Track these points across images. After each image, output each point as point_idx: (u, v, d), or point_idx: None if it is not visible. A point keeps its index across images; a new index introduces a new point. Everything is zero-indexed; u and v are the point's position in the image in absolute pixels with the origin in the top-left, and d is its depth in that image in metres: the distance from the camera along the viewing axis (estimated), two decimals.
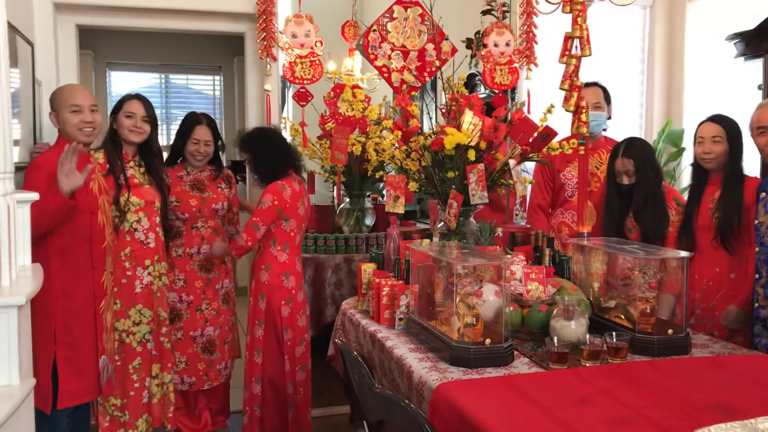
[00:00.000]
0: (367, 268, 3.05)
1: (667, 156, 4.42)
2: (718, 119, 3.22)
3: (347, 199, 4.93)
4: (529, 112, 4.00)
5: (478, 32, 4.48)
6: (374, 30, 4.07)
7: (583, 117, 2.66)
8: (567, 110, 2.67)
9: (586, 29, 2.48)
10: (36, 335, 2.55)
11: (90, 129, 2.85)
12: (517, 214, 3.44)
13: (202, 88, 8.64)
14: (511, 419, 1.76)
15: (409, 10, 4.11)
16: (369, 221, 4.91)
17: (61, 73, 3.77)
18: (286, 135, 4.24)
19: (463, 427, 1.81)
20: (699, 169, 3.25)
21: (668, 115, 4.70)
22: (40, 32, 3.61)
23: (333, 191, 5.53)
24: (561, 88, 2.67)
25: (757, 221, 2.95)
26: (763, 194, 2.95)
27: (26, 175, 2.71)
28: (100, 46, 7.68)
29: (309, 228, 5.05)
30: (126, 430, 3.06)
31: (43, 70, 3.62)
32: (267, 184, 3.39)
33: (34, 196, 2.01)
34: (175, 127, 8.34)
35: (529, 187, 3.94)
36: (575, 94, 2.58)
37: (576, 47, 2.49)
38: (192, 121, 3.54)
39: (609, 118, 3.77)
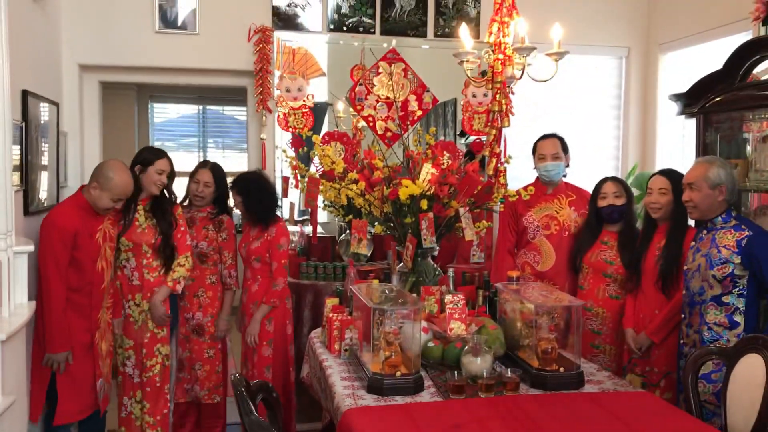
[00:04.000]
0: (330, 303, 3.50)
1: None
2: (666, 173, 3.56)
3: (347, 231, 5.39)
4: (504, 155, 4.38)
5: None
6: (360, 83, 4.53)
7: (501, 179, 3.05)
8: (488, 173, 3.07)
9: (506, 104, 2.87)
10: (38, 361, 3.09)
11: (113, 210, 3.40)
12: (474, 255, 3.82)
13: (236, 115, 9.20)
14: None
15: (393, 65, 4.56)
16: (367, 251, 5.35)
17: (85, 123, 4.36)
18: (286, 168, 4.73)
19: None
20: (649, 217, 3.60)
21: (643, 160, 5.01)
22: (67, 89, 4.21)
23: (336, 222, 6.02)
24: (483, 154, 3.07)
25: (686, 267, 3.27)
26: (693, 243, 3.27)
27: (42, 227, 3.16)
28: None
29: (311, 257, 5.55)
30: None
31: (69, 121, 4.21)
32: (261, 223, 3.92)
33: (30, 248, 2.54)
34: (211, 153, 9.04)
35: (495, 229, 4.34)
36: (494, 160, 2.97)
37: (497, 119, 2.88)
38: (198, 165, 4.07)
39: (567, 165, 4.12)
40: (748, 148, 3.69)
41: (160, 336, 3.68)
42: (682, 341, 3.28)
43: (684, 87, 3.77)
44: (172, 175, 3.72)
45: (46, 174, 3.72)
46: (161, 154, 3.70)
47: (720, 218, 3.11)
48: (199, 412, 4.14)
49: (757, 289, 3.01)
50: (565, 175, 4.14)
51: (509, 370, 2.67)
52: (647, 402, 2.59)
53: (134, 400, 3.68)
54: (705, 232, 3.18)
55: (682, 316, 3.29)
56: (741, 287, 3.00)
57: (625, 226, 3.75)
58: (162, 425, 3.74)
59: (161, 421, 3.73)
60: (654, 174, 3.67)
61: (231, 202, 4.10)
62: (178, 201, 4.00)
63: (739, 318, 3.01)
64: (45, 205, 3.67)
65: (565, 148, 4.07)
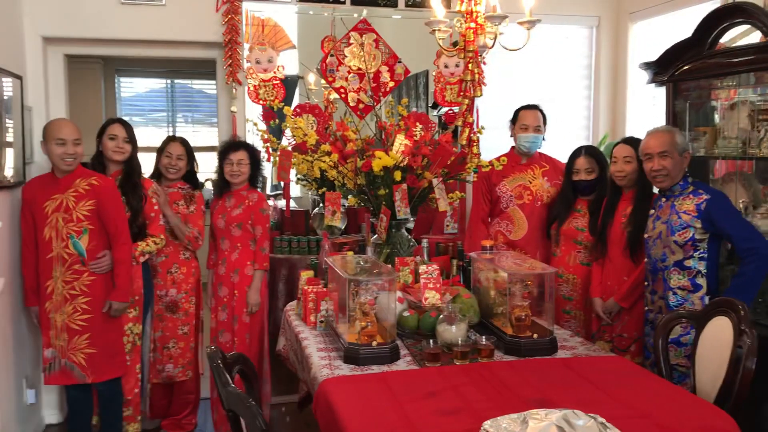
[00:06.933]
0: (304, 275, 3.50)
1: None
2: (630, 141, 3.61)
3: (321, 204, 5.38)
4: (477, 125, 4.38)
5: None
6: (331, 54, 4.49)
7: (474, 149, 3.05)
8: (461, 143, 3.07)
9: (478, 73, 2.87)
10: None
11: (71, 159, 3.38)
12: (448, 225, 3.84)
13: (205, 89, 9.04)
14: (363, 410, 2.19)
15: (364, 36, 4.52)
16: (341, 224, 5.35)
17: (50, 97, 4.26)
18: (257, 142, 4.68)
19: (330, 415, 2.25)
20: (614, 186, 3.64)
21: (613, 129, 5.05)
22: (31, 63, 4.09)
23: (309, 195, 6.00)
24: (455, 125, 3.07)
25: (646, 235, 3.33)
26: (652, 211, 3.33)
27: None
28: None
29: (285, 231, 5.53)
30: None
31: (34, 96, 4.10)
32: (251, 186, 4.02)
33: None
34: (180, 128, 8.91)
35: (468, 200, 4.36)
36: (467, 130, 2.97)
37: (469, 89, 2.87)
38: (167, 139, 4.03)
39: (544, 139, 4.15)
40: (716, 116, 3.73)
41: (131, 315, 3.66)
42: (647, 308, 3.34)
43: (654, 56, 3.79)
44: (133, 142, 3.71)
45: (12, 150, 3.64)
46: (114, 120, 3.75)
47: (678, 185, 3.16)
48: (171, 392, 4.12)
49: (720, 250, 3.09)
50: (539, 147, 4.17)
51: (484, 337, 2.70)
52: (619, 365, 2.64)
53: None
54: (664, 199, 3.24)
55: (645, 283, 3.35)
56: (702, 251, 3.06)
57: (597, 195, 3.79)
58: (133, 405, 3.73)
59: (133, 400, 3.72)
60: (618, 142, 3.72)
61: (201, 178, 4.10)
62: (147, 176, 3.96)
63: (701, 281, 3.08)
64: (11, 182, 3.60)
65: (545, 121, 4.10)
